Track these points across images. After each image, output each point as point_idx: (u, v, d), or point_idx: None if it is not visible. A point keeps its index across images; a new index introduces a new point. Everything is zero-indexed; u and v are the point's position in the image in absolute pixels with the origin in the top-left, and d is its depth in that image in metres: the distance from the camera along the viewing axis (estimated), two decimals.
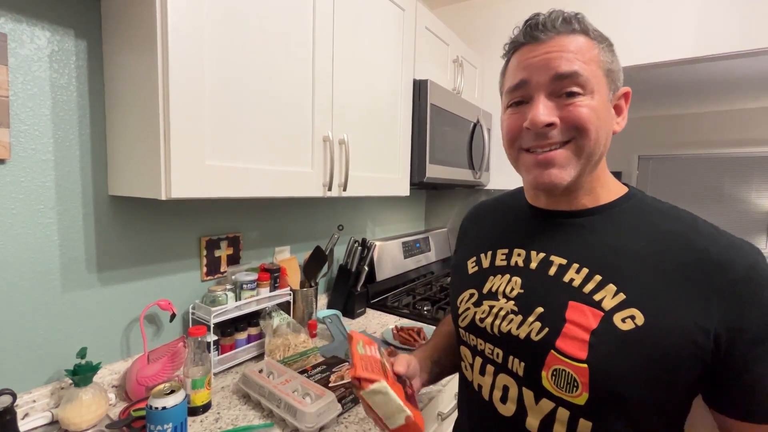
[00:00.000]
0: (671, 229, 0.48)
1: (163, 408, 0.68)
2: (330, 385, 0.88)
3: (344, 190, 1.06)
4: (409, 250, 1.84)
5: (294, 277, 1.24)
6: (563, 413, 0.47)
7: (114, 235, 0.88)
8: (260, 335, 1.10)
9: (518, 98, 0.52)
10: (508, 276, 0.56)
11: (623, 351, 0.44)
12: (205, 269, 1.06)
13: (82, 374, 0.75)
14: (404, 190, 1.36)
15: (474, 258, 0.63)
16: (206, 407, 0.83)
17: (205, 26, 0.73)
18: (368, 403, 0.55)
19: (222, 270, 1.10)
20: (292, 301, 1.18)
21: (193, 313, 1.00)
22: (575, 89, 0.48)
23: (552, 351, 0.47)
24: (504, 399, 0.53)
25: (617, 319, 0.45)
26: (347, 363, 0.98)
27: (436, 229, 2.13)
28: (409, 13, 1.31)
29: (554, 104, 0.49)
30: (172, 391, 0.71)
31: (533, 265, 0.54)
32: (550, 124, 0.49)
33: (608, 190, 0.54)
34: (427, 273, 1.99)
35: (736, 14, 1.41)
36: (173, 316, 0.93)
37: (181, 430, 0.71)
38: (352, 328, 1.30)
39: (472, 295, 0.60)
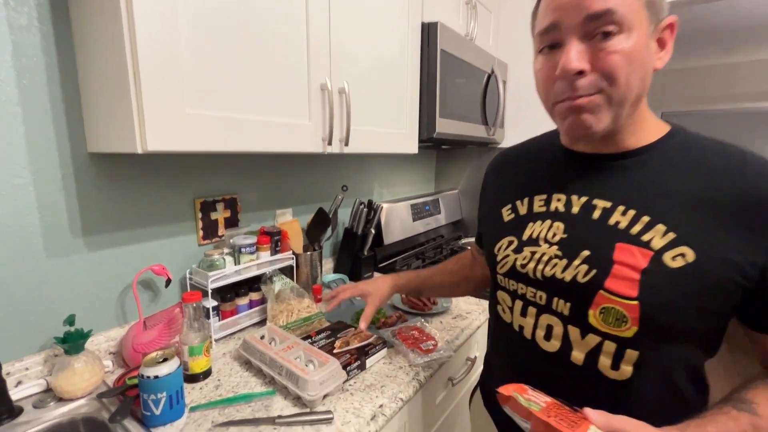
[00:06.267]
0: (719, 165, 0.48)
1: (155, 377, 0.64)
2: (335, 351, 0.83)
3: (346, 145, 0.97)
4: (418, 212, 1.76)
5: (296, 240, 1.18)
6: (610, 345, 0.49)
7: (98, 197, 0.82)
8: (262, 300, 1.06)
9: (549, 42, 0.50)
10: (549, 221, 0.56)
11: (673, 287, 0.45)
12: (201, 233, 1.01)
13: (72, 342, 0.71)
14: (412, 147, 1.26)
15: (509, 206, 0.63)
16: (206, 374, 0.80)
17: None
18: None
19: (219, 234, 1.05)
20: (295, 265, 1.13)
21: (190, 279, 0.96)
22: (610, 28, 0.45)
23: (600, 291, 0.48)
24: (548, 337, 0.54)
25: (667, 257, 0.46)
26: (353, 328, 0.93)
27: (446, 190, 2.03)
28: None
29: (587, 47, 0.47)
30: (165, 360, 0.67)
31: (575, 209, 0.54)
32: (581, 72, 0.47)
33: (650, 129, 0.53)
34: (436, 237, 1.92)
35: None
36: (169, 281, 0.88)
37: (177, 398, 0.67)
38: None
39: (511, 242, 0.60)
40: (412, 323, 1.00)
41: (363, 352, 0.84)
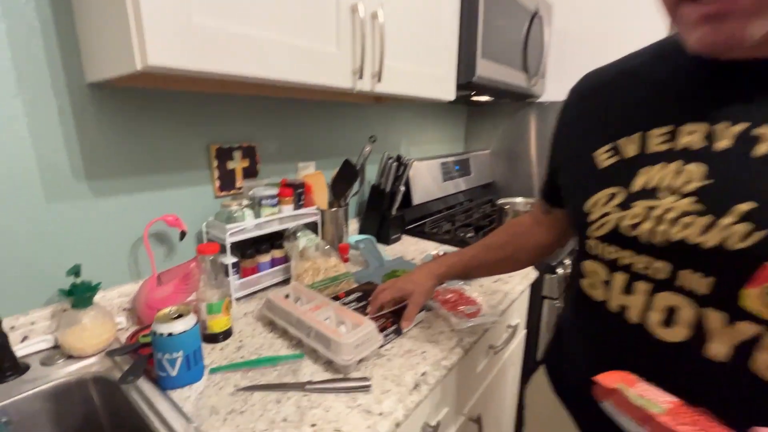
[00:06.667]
0: None
1: (170, 334, 0.56)
2: (368, 317, 0.74)
3: (379, 81, 0.84)
4: (447, 172, 1.63)
5: (321, 195, 1.08)
6: None
7: (102, 137, 0.72)
8: (286, 259, 0.97)
9: None
10: (677, 163, 0.40)
11: None
12: (218, 183, 0.91)
13: (79, 295, 0.64)
14: (449, 92, 1.12)
15: (608, 146, 0.46)
16: (227, 334, 0.72)
17: None
18: None
19: (237, 185, 0.95)
20: (320, 222, 1.03)
21: (207, 232, 0.87)
22: None
23: None
24: (668, 322, 0.41)
25: None
26: None
27: (477, 150, 1.88)
28: None
29: None
30: (180, 316, 0.59)
31: (723, 144, 0.37)
32: None
33: None
34: (465, 200, 1.79)
35: None
36: (183, 233, 0.80)
37: (195, 359, 0.59)
38: (387, 254, 1.15)
39: (612, 196, 0.45)
40: (451, 286, 0.90)
41: (399, 316, 0.74)
